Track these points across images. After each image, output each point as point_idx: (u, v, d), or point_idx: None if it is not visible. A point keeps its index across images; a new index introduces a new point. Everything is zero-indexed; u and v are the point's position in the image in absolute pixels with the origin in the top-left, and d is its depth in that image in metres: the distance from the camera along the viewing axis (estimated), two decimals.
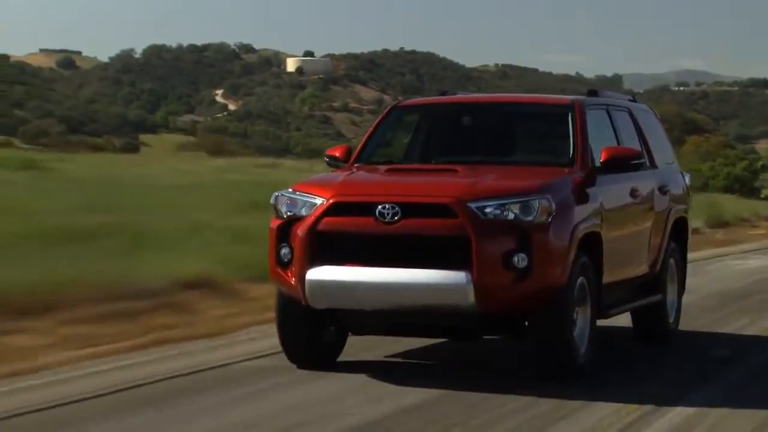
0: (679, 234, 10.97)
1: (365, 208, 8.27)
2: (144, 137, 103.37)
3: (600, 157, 9.16)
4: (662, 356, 10.02)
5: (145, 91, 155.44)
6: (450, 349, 9.91)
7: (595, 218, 8.72)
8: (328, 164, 9.83)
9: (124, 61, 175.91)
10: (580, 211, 8.52)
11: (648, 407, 7.80)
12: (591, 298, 8.68)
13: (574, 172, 8.90)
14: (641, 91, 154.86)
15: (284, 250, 8.48)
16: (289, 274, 8.43)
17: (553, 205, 8.18)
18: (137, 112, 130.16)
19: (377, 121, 10.06)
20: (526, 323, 8.43)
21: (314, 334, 8.84)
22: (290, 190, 8.69)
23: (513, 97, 11.23)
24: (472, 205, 8.10)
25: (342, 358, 9.14)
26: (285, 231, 8.51)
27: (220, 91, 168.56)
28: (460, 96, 10.56)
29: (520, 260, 8.04)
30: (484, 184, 8.39)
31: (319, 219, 8.35)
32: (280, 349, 9.01)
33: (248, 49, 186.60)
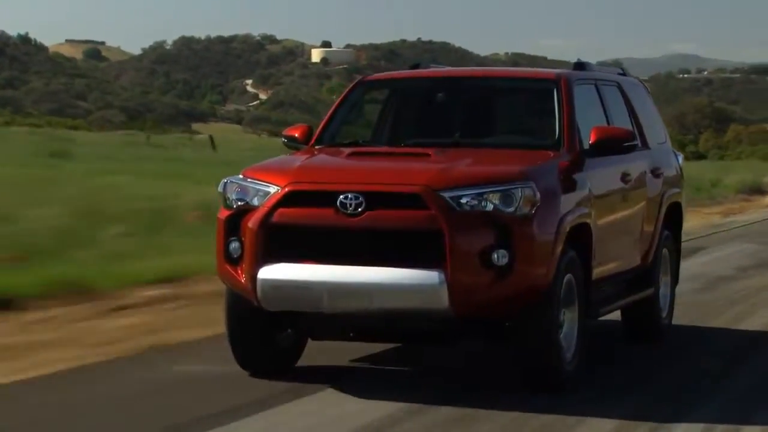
0: (672, 220, 10.03)
1: (325, 198, 7.29)
2: (195, 126, 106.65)
3: (589, 139, 8.20)
4: (662, 357, 9.09)
5: (179, 81, 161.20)
6: (425, 354, 8.90)
7: (584, 208, 7.78)
8: (286, 145, 8.85)
9: (157, 52, 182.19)
10: (567, 200, 7.57)
11: (652, 424, 6.87)
12: (579, 297, 7.74)
13: (561, 156, 7.92)
14: (646, 78, 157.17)
15: (234, 245, 7.50)
16: (239, 272, 7.45)
17: (538, 194, 7.22)
18: (185, 102, 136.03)
19: (341, 97, 9.04)
20: (507, 327, 7.48)
21: (268, 338, 7.87)
22: (241, 176, 7.69)
23: (493, 71, 10.17)
24: (446, 195, 7.13)
25: (301, 362, 8.18)
26: (235, 223, 7.52)
27: (249, 81, 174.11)
28: (434, 69, 9.51)
29: (500, 257, 7.08)
30: (459, 170, 7.42)
31: (272, 210, 7.35)
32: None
33: (272, 39, 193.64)
